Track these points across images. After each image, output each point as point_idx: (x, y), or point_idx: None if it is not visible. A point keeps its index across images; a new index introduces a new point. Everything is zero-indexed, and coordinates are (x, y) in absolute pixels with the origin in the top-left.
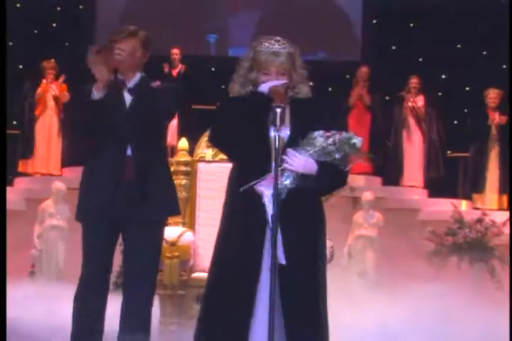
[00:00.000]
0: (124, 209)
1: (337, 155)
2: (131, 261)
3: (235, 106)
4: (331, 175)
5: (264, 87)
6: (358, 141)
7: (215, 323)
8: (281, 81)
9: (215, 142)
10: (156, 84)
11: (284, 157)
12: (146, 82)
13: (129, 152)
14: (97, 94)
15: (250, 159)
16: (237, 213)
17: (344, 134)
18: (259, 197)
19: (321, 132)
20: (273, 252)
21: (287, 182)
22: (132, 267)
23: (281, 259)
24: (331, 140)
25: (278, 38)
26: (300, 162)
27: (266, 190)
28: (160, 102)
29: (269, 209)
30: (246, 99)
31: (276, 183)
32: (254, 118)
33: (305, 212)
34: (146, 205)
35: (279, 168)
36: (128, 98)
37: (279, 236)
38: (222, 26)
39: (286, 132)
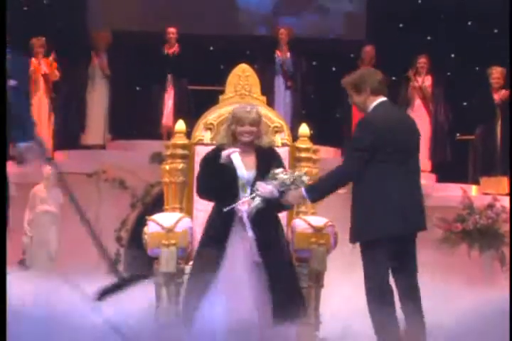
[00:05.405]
0: None
1: (292, 187)
2: None
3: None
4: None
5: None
6: (306, 179)
7: None
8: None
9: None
10: None
11: (256, 187)
12: None
13: None
14: None
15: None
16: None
17: (297, 173)
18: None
19: (281, 169)
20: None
21: (257, 203)
22: None
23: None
24: (289, 177)
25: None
26: (267, 190)
27: (242, 207)
28: None
29: (244, 218)
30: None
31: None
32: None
33: (267, 220)
34: None
35: (253, 195)
36: None
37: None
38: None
39: (252, 172)
